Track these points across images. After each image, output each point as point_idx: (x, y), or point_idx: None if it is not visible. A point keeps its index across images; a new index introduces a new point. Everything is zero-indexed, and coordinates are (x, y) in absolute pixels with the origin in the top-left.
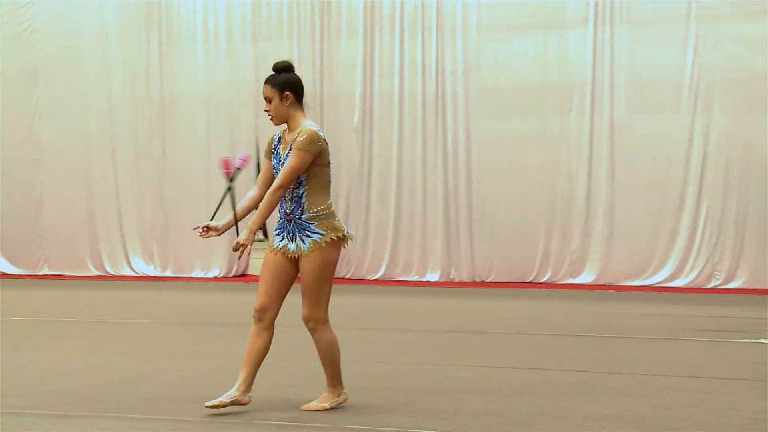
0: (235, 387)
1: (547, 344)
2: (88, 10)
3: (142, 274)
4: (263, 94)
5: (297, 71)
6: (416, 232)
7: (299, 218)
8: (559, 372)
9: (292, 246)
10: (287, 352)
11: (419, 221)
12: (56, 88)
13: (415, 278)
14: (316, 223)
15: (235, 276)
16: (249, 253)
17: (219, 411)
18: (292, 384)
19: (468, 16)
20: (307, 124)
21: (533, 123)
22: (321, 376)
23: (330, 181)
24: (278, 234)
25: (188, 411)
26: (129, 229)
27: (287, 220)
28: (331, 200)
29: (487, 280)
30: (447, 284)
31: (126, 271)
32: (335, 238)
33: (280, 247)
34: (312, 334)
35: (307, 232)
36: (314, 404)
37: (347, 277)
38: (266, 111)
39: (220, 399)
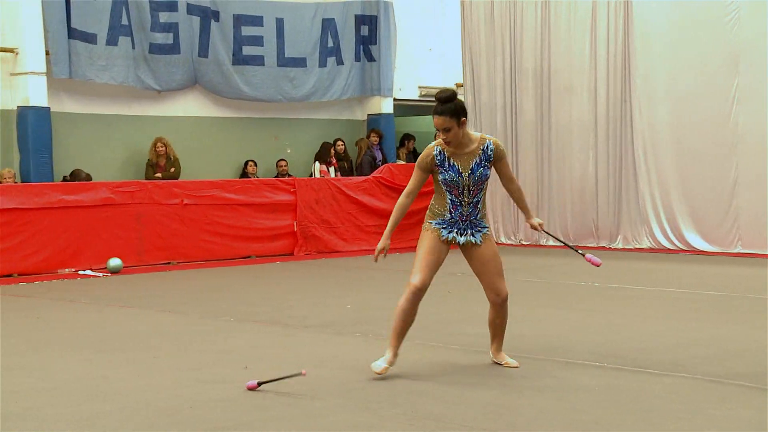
0: (389, 357)
1: None
2: None
3: None
4: (439, 126)
5: None
6: None
7: (475, 218)
8: None
9: (461, 239)
10: None
11: None
12: (756, 73)
13: None
14: (483, 221)
15: None
16: (384, 256)
17: None
18: None
19: None
20: (477, 133)
21: None
22: None
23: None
24: (445, 228)
25: None
26: None
27: (461, 220)
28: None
29: None
30: None
31: None
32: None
33: (449, 238)
34: (502, 308)
35: (479, 228)
36: (511, 362)
37: None
38: (445, 140)
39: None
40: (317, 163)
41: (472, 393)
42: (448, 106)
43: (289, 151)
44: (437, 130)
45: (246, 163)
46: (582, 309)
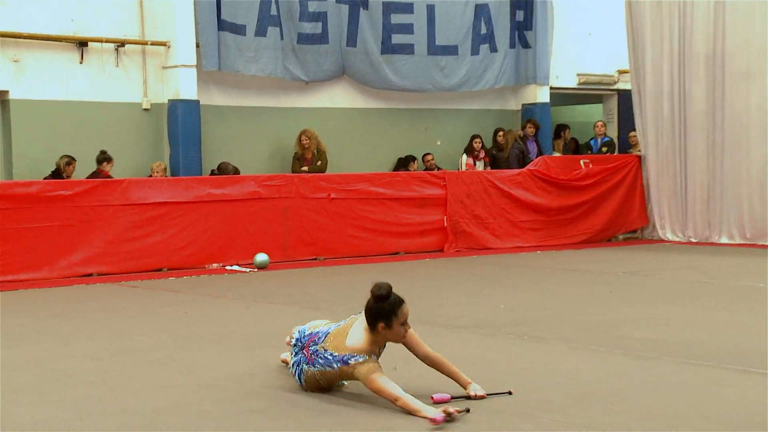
0: None
1: None
2: None
3: None
4: (408, 316)
5: None
6: None
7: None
8: None
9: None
10: None
11: None
12: None
13: None
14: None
15: None
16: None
17: None
18: None
19: None
20: None
21: None
22: None
23: None
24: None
25: None
26: None
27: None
28: None
29: None
30: None
31: None
32: None
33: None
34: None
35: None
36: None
37: None
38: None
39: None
40: (465, 155)
41: (636, 399)
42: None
43: (438, 143)
44: (404, 324)
45: (408, 160)
46: (758, 313)
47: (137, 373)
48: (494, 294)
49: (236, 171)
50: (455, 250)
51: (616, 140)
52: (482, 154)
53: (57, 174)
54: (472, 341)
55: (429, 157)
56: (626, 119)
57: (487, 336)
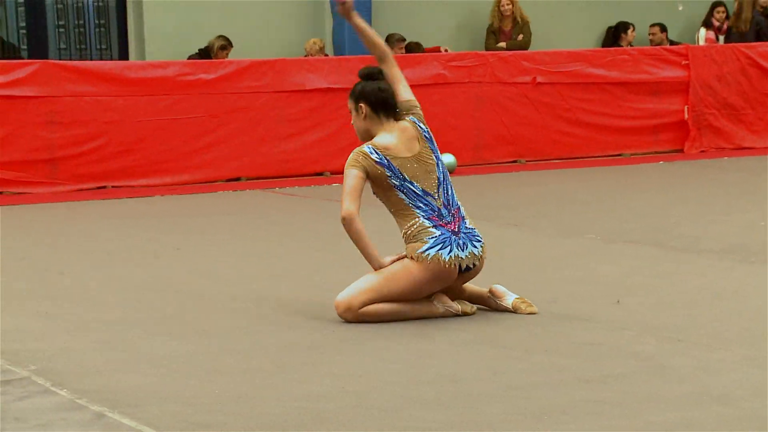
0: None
1: None
2: None
3: None
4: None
5: None
6: None
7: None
8: None
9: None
10: None
11: None
12: None
13: None
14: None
15: None
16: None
17: None
18: None
19: None
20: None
21: None
22: None
23: (407, 204)
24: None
25: None
26: None
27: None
28: (416, 219)
29: None
30: None
31: None
32: (413, 257)
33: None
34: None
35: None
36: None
37: None
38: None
39: None
40: (703, 29)
41: None
42: (354, 86)
43: (680, 8)
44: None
45: (619, 30)
46: None
47: (299, 297)
48: (751, 209)
49: (418, 47)
50: (699, 150)
51: None
52: (726, 25)
53: (205, 55)
54: (719, 270)
55: (654, 30)
56: None
57: (741, 263)
